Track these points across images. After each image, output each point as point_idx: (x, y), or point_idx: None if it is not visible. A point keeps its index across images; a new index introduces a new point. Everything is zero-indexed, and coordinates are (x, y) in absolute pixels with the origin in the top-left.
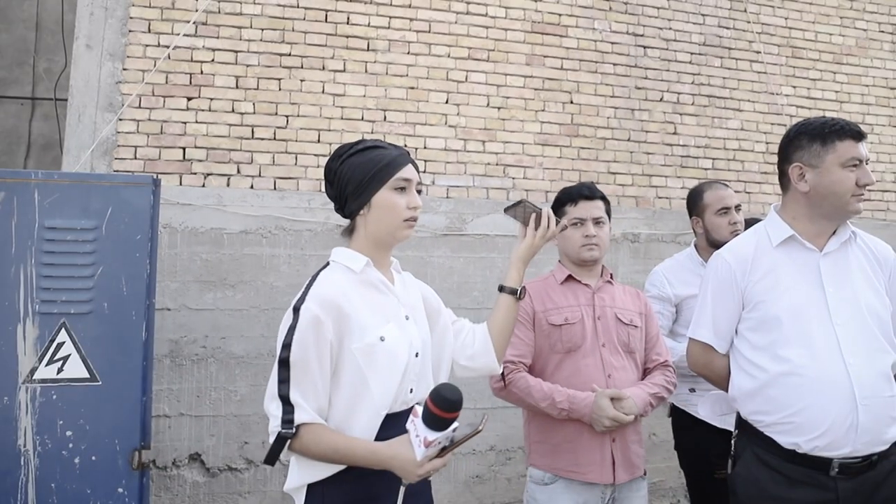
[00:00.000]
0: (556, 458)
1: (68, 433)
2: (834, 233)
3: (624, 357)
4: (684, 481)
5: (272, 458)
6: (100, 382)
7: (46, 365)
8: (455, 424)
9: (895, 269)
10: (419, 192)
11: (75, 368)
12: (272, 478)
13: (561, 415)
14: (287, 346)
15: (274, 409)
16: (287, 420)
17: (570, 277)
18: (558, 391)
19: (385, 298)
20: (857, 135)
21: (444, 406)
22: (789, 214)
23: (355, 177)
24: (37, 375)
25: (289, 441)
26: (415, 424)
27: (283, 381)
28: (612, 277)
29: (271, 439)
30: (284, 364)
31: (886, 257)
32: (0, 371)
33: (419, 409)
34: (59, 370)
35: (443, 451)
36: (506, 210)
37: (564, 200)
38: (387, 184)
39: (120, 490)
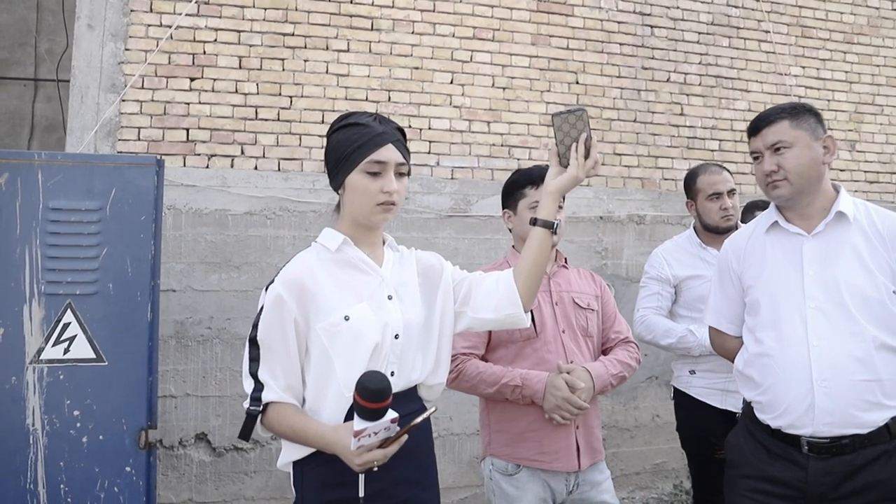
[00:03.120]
0: (519, 447)
1: (76, 413)
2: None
3: (583, 342)
4: (686, 462)
5: (244, 433)
6: (106, 363)
7: (53, 345)
8: (393, 415)
9: None
10: (403, 173)
11: (81, 349)
12: (277, 457)
13: (514, 394)
14: (255, 325)
15: (247, 387)
16: (255, 398)
17: None
18: (510, 372)
19: (364, 277)
20: (752, 130)
21: (366, 396)
22: None
23: (333, 156)
24: (44, 356)
25: (260, 418)
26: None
27: (254, 359)
28: (566, 262)
29: None
30: (253, 343)
31: (895, 234)
32: (7, 351)
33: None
34: (66, 350)
35: (386, 442)
36: (555, 115)
37: (523, 183)
38: (359, 166)
39: (127, 469)
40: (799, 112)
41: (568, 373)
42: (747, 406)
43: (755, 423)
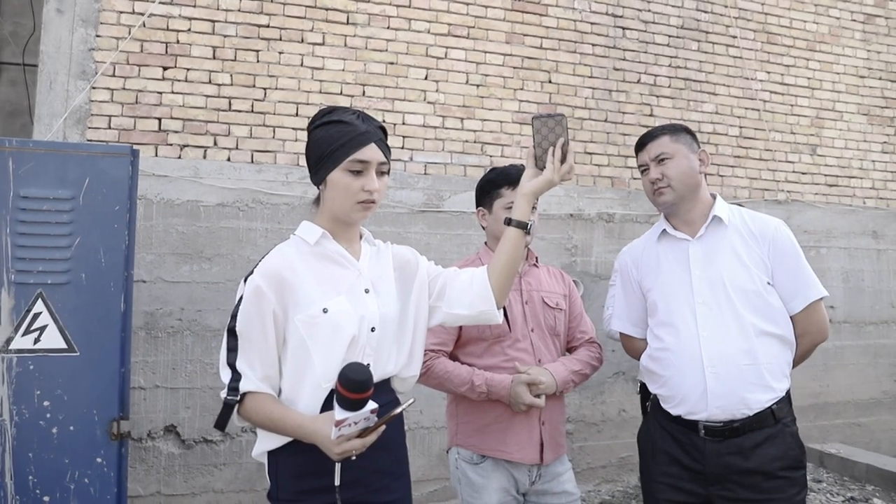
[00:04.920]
0: (484, 439)
1: (46, 403)
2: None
3: (551, 341)
4: None
5: (220, 423)
6: (78, 353)
7: (23, 335)
8: (373, 405)
9: (774, 241)
10: (385, 172)
11: (53, 339)
12: (247, 449)
13: (480, 397)
14: (234, 316)
15: (224, 377)
16: (233, 388)
17: None
18: (477, 374)
19: (342, 271)
20: (638, 146)
21: (349, 387)
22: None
23: (315, 152)
24: (13, 345)
25: (236, 407)
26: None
27: (232, 349)
28: (537, 260)
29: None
30: (231, 333)
31: (764, 233)
32: None
33: None
34: (36, 340)
35: (364, 432)
36: (535, 118)
37: (500, 182)
38: (341, 164)
39: (98, 460)
40: (677, 130)
41: (527, 373)
42: (654, 397)
43: (661, 412)
